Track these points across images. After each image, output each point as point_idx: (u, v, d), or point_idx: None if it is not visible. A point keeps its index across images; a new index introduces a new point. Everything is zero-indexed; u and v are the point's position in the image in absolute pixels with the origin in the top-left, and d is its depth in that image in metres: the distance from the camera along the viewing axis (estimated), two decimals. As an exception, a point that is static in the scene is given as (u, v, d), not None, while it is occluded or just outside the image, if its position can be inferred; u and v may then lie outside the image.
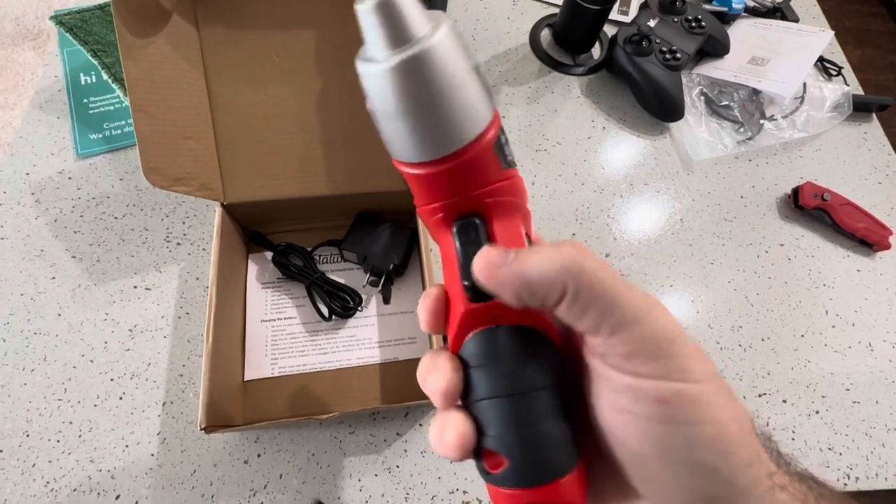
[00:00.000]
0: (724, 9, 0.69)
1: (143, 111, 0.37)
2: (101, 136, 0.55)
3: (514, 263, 0.16)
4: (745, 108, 0.63)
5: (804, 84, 0.65)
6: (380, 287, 0.48)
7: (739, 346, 0.50)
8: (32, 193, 0.51)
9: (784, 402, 0.48)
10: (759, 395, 0.48)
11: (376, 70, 0.16)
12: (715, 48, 0.66)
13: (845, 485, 0.44)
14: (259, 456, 0.42)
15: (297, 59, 0.43)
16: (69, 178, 0.53)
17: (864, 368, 0.50)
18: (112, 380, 0.44)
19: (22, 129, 0.55)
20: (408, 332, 0.47)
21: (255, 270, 0.49)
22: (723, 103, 0.63)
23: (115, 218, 0.51)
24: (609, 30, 0.67)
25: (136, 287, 0.48)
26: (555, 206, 0.56)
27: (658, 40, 0.61)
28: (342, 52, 0.44)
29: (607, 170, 0.59)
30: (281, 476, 0.41)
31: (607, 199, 0.57)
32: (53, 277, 0.48)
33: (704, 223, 0.57)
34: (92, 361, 0.45)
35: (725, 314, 0.52)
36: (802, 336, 0.51)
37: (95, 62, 0.57)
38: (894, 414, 0.48)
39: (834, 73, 0.69)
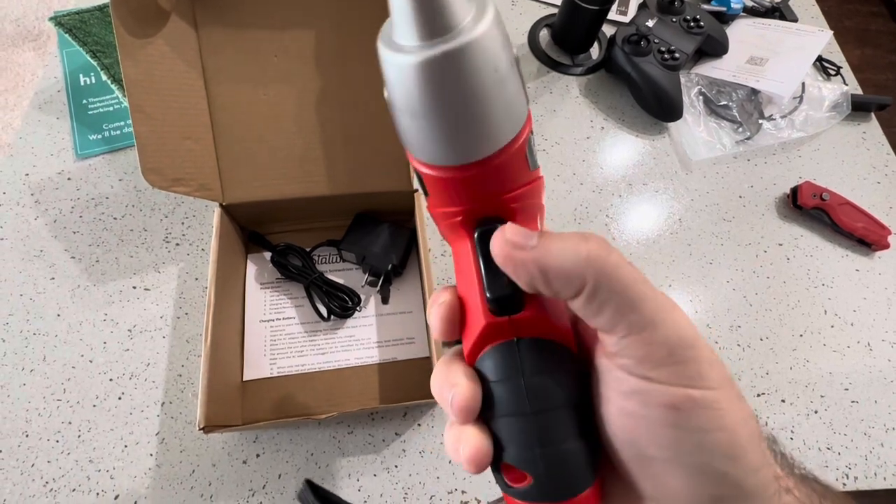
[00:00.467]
0: (723, 8, 0.69)
1: (141, 112, 0.37)
2: (100, 136, 0.55)
3: (536, 249, 0.15)
4: (743, 108, 0.63)
5: (803, 84, 0.65)
6: (378, 287, 0.48)
7: (738, 345, 0.50)
8: (32, 194, 0.52)
9: (783, 401, 0.48)
10: (758, 395, 0.48)
11: (405, 62, 0.13)
12: (713, 48, 0.66)
13: (844, 484, 0.44)
14: (258, 456, 0.42)
15: (295, 59, 0.43)
16: (68, 179, 0.53)
17: (862, 368, 0.50)
18: (111, 380, 0.44)
19: (22, 130, 0.55)
20: (406, 332, 0.47)
21: (254, 270, 0.49)
22: (721, 103, 0.63)
23: (115, 218, 0.51)
24: (608, 30, 0.67)
25: (135, 287, 0.48)
26: (553, 205, 0.56)
27: (656, 40, 0.61)
28: (341, 51, 0.44)
29: (606, 170, 0.59)
30: (280, 476, 0.41)
31: (606, 199, 0.57)
32: (53, 278, 0.48)
33: (703, 223, 0.57)
34: (91, 362, 0.45)
35: (724, 314, 0.52)
36: (801, 336, 0.51)
37: (95, 63, 0.57)
38: (893, 413, 0.48)
39: (833, 72, 0.69)
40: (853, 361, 0.50)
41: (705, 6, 0.69)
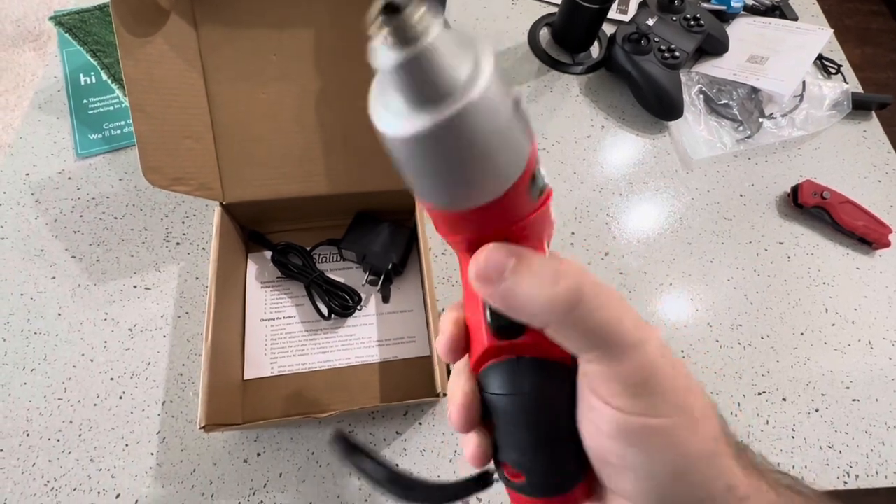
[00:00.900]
0: (723, 7, 0.69)
1: (141, 111, 0.37)
2: (100, 136, 0.55)
3: (504, 284, 0.16)
4: (744, 107, 0.63)
5: (803, 82, 0.64)
6: (379, 286, 0.48)
7: (739, 344, 0.50)
8: (32, 193, 0.52)
9: (784, 400, 0.48)
10: (759, 394, 0.48)
11: (402, 132, 0.13)
12: (714, 47, 0.66)
13: (845, 483, 0.44)
14: (259, 455, 0.42)
15: (295, 58, 0.43)
16: (69, 179, 0.53)
17: (863, 366, 0.50)
18: (112, 379, 0.44)
19: (22, 130, 0.55)
20: (407, 331, 0.47)
21: (255, 270, 0.49)
22: (722, 102, 0.63)
23: (115, 218, 0.51)
24: (608, 28, 0.67)
25: (135, 287, 0.48)
26: (554, 205, 0.56)
27: (657, 39, 0.61)
28: (340, 50, 0.44)
29: (606, 168, 0.59)
30: (280, 475, 0.42)
31: (606, 198, 0.57)
32: (53, 277, 0.48)
33: (704, 221, 0.57)
34: (92, 361, 0.45)
35: (725, 312, 0.52)
36: (802, 334, 0.51)
37: (95, 62, 0.57)
38: (894, 412, 0.48)
39: (833, 71, 0.69)
40: (854, 360, 0.50)
41: (705, 5, 0.69)
